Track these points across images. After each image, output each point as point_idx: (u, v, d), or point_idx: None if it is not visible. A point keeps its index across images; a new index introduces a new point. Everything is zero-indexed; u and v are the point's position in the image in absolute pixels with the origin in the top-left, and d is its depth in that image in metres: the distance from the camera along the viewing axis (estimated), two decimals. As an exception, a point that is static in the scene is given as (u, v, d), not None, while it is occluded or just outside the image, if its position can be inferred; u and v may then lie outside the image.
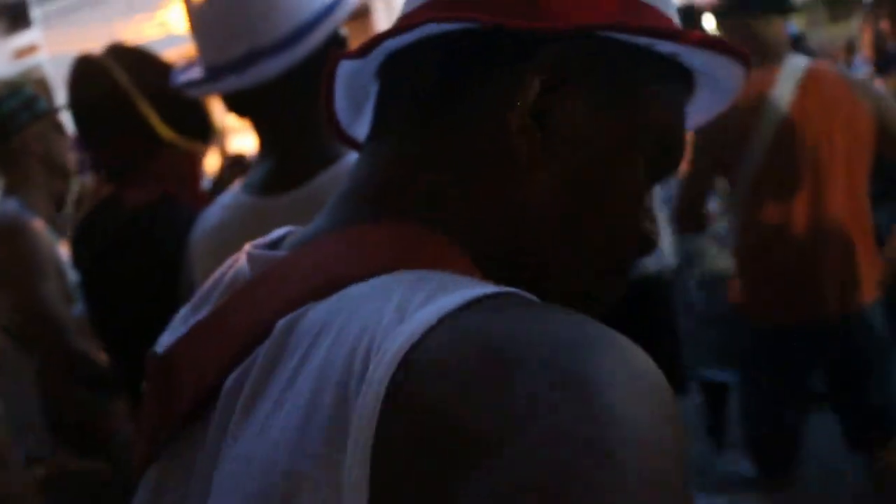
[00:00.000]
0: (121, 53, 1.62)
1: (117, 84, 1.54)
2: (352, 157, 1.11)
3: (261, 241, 0.56)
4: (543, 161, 0.49)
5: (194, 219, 1.32)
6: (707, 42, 0.51)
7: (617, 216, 0.52)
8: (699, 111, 0.59)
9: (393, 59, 0.53)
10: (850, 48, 4.63)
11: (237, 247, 1.14)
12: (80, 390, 1.82)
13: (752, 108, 2.03)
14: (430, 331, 0.38)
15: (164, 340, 0.53)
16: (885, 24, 3.17)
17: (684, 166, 2.18)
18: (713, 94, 0.58)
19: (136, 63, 1.60)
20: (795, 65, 2.08)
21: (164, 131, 1.53)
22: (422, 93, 0.51)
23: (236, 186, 1.23)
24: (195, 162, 1.66)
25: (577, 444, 0.33)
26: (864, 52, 3.67)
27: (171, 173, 1.57)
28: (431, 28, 0.49)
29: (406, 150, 0.51)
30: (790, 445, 2.23)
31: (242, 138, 6.05)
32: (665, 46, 0.51)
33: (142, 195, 1.53)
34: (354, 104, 0.58)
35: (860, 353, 2.13)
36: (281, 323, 0.43)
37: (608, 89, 0.50)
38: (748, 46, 2.08)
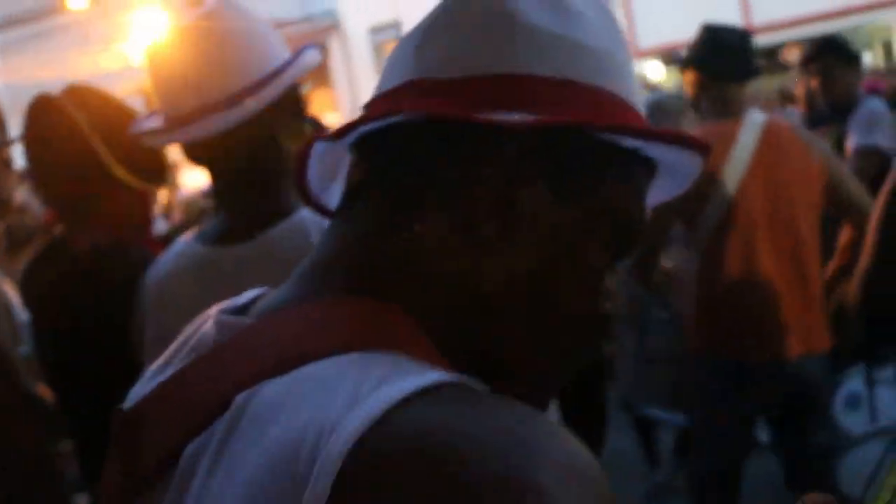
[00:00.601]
0: (78, 94, 1.63)
1: (74, 125, 1.55)
2: (305, 212, 1.14)
3: (231, 303, 0.57)
4: (508, 244, 0.51)
5: (145, 260, 1.35)
6: (668, 138, 0.55)
7: (576, 298, 0.53)
8: (658, 193, 0.62)
9: (366, 135, 0.55)
10: (784, 98, 4.83)
11: (189, 295, 1.18)
12: (27, 430, 1.79)
13: (716, 158, 2.16)
14: (373, 428, 0.40)
15: (134, 394, 0.55)
16: (814, 83, 3.35)
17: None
18: (672, 178, 0.61)
19: (94, 104, 1.61)
20: (755, 119, 2.22)
21: (120, 173, 1.55)
22: (391, 172, 0.53)
23: (190, 235, 1.26)
24: (147, 202, 1.68)
25: None
26: (798, 106, 3.84)
27: (123, 214, 1.59)
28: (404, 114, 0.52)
29: (374, 227, 0.53)
30: (734, 485, 2.31)
31: (193, 174, 6.02)
32: (629, 141, 0.54)
33: (94, 235, 1.54)
34: (328, 172, 0.60)
35: (811, 395, 2.23)
36: (238, 398, 0.45)
37: (573, 178, 0.52)
38: (716, 104, 2.26)
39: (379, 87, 0.57)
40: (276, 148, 1.18)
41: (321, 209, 0.62)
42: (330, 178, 0.61)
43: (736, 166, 2.16)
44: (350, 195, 0.56)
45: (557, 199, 0.52)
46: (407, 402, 0.41)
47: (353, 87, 11.66)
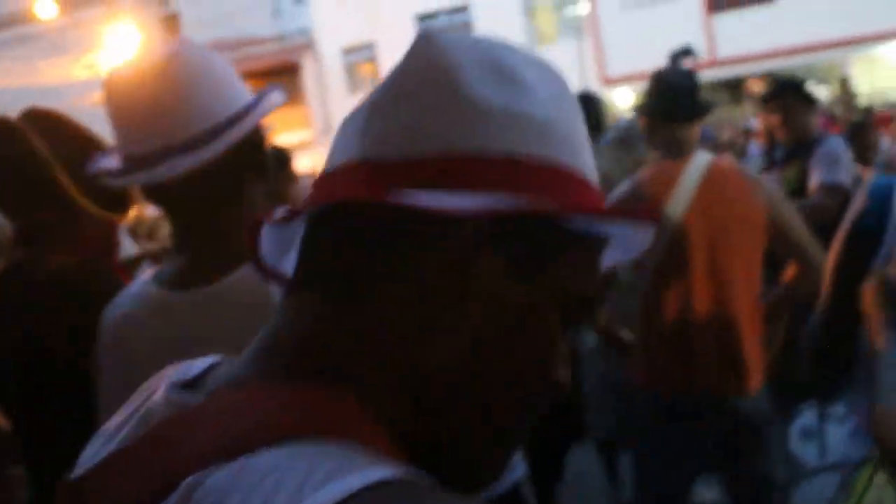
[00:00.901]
0: (40, 119, 1.61)
1: (35, 152, 1.53)
2: None
3: (184, 371, 0.57)
4: (460, 320, 0.51)
5: (111, 286, 1.34)
6: (619, 216, 0.56)
7: (528, 369, 0.54)
8: (610, 259, 0.61)
9: (318, 211, 0.55)
10: (746, 134, 4.94)
11: (144, 339, 1.15)
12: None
13: (662, 198, 2.21)
14: None
15: (83, 461, 0.55)
16: (774, 120, 3.43)
17: None
18: (624, 245, 0.61)
19: (55, 131, 1.59)
20: (700, 161, 2.28)
21: (83, 202, 1.53)
22: (341, 251, 0.53)
23: (147, 275, 1.25)
24: (111, 230, 1.66)
25: None
26: (760, 140, 3.93)
27: (87, 240, 1.58)
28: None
29: (325, 307, 0.53)
30: None
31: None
32: (581, 220, 0.54)
33: (55, 262, 1.52)
34: (284, 241, 0.60)
35: (748, 433, 2.28)
36: (186, 482, 0.44)
37: (525, 254, 0.53)
38: (666, 144, 2.32)
39: (328, 161, 0.57)
40: (238, 192, 1.18)
41: (277, 277, 0.61)
42: (286, 248, 0.60)
43: (677, 206, 2.22)
44: (301, 271, 0.56)
45: (509, 276, 0.52)
46: (352, 499, 0.41)
47: (326, 106, 11.64)
